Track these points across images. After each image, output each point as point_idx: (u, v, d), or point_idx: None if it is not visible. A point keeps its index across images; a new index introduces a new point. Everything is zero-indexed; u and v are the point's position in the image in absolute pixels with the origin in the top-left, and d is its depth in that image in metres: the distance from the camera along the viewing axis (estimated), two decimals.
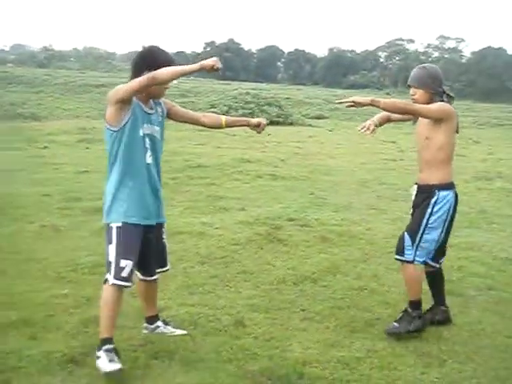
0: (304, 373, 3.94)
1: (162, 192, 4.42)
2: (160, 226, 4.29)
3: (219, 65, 3.71)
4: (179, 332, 4.45)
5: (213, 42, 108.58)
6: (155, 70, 3.79)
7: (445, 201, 4.63)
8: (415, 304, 4.70)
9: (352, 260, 6.48)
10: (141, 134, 3.99)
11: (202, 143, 16.79)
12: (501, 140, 26.36)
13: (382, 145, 19.26)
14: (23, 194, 8.83)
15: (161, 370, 3.92)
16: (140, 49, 4.11)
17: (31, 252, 6.27)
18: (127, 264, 3.92)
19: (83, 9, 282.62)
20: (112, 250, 3.94)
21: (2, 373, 3.76)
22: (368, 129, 4.65)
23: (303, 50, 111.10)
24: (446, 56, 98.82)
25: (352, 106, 4.42)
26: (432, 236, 4.63)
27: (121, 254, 3.91)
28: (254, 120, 4.46)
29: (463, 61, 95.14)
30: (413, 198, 4.81)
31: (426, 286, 4.93)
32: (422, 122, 4.68)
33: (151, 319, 4.49)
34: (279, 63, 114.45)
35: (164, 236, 4.38)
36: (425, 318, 4.74)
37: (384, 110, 4.50)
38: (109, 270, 3.94)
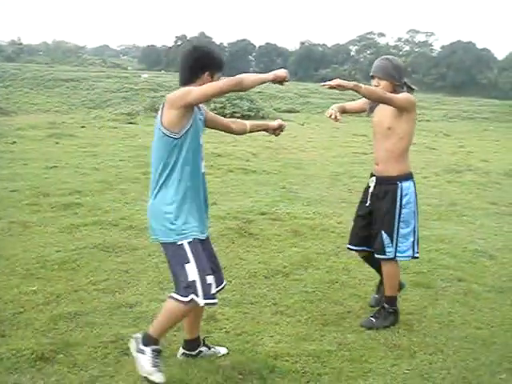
0: (275, 366, 3.95)
1: None
2: (208, 238, 3.91)
3: (289, 77, 3.62)
4: (223, 351, 4.14)
5: (184, 36, 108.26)
6: (213, 71, 3.63)
7: (410, 191, 4.70)
8: (392, 299, 4.73)
9: (324, 253, 6.51)
10: (200, 142, 3.70)
11: None
12: (471, 133, 26.63)
13: (353, 138, 19.34)
14: None
15: (132, 366, 3.88)
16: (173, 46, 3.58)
17: (0, 249, 6.19)
18: (212, 280, 3.59)
19: (52, 2, 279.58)
20: (192, 268, 3.52)
21: None
22: (335, 117, 4.58)
23: (275, 44, 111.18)
24: (416, 50, 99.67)
25: (334, 88, 4.26)
26: (408, 229, 4.66)
27: (204, 271, 3.56)
28: (273, 123, 4.32)
29: (433, 54, 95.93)
30: (371, 189, 4.81)
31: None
32: (383, 112, 4.68)
33: (192, 343, 4.07)
34: (250, 57, 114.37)
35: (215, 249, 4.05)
36: (398, 312, 4.78)
37: (364, 95, 4.42)
38: (194, 292, 3.50)
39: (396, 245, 4.63)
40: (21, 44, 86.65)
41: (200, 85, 3.53)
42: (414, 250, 4.69)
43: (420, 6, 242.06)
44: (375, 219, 4.75)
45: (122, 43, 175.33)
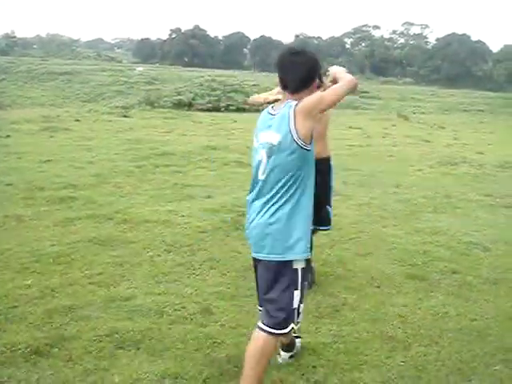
0: (271, 360, 3.95)
1: None
2: None
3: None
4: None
5: (178, 29, 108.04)
6: (316, 79, 3.46)
7: (333, 170, 5.36)
8: None
9: (318, 246, 6.48)
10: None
11: (168, 130, 16.67)
12: (465, 125, 26.66)
13: (347, 131, 19.33)
14: None
15: (127, 359, 3.90)
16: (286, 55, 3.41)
17: None
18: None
19: None
20: (297, 296, 3.30)
21: None
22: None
23: (270, 37, 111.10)
24: (411, 42, 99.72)
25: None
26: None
27: (302, 299, 3.37)
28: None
29: (428, 47, 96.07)
30: None
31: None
32: None
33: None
34: (245, 50, 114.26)
35: None
36: None
37: None
38: (291, 318, 3.31)
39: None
40: (15, 37, 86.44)
41: (310, 91, 3.37)
42: None
43: None
44: (319, 197, 4.39)
45: (117, 36, 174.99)
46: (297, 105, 3.23)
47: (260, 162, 3.34)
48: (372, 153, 14.33)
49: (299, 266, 3.29)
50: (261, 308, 3.53)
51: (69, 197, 8.16)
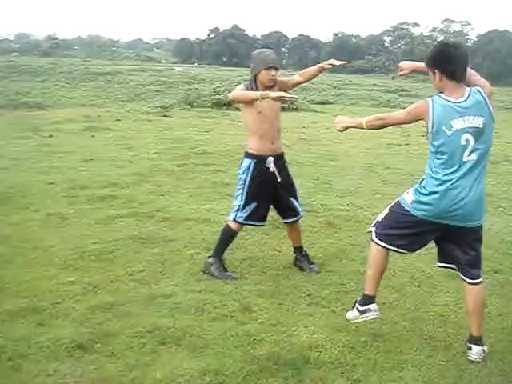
0: (310, 357, 3.97)
1: None
2: None
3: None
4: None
5: (217, 29, 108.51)
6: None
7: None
8: None
9: (358, 245, 6.49)
10: None
11: (207, 130, 16.75)
12: (508, 123, 26.19)
13: (387, 130, 19.14)
14: (29, 182, 8.85)
15: (168, 355, 3.95)
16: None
17: (38, 240, 6.29)
18: None
19: None
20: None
21: (11, 360, 3.79)
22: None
23: (308, 36, 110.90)
24: (451, 40, 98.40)
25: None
26: None
27: None
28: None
29: (469, 44, 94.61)
30: (272, 169, 5.38)
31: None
32: None
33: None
34: (284, 49, 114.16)
35: None
36: None
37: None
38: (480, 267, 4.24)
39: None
40: (56, 39, 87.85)
41: None
42: None
43: None
44: (284, 191, 5.49)
45: (156, 36, 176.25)
46: (482, 90, 3.95)
47: (465, 145, 3.87)
48: (412, 151, 14.21)
49: None
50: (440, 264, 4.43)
51: (110, 195, 8.27)
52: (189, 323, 4.40)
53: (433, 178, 4.00)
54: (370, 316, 4.53)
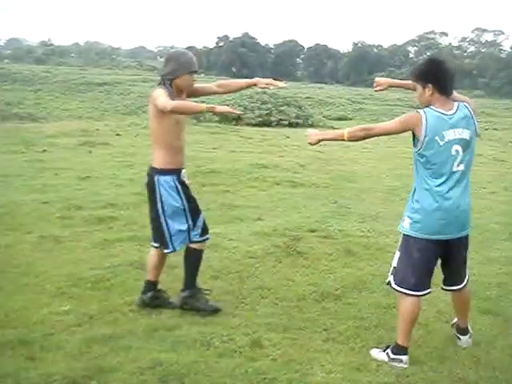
0: None
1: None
2: None
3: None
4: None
5: (226, 37, 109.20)
6: None
7: None
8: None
9: (379, 275, 6.45)
10: None
11: (215, 147, 16.81)
12: None
13: (411, 148, 19.10)
14: (20, 201, 8.89)
15: None
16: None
17: (29, 265, 6.31)
18: None
19: (85, 0, 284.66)
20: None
21: None
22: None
23: (325, 45, 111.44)
24: (482, 50, 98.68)
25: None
26: None
27: None
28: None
29: (502, 55, 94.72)
30: (188, 181, 5.33)
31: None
32: None
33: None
34: (298, 59, 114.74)
35: None
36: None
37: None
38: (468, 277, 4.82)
39: None
40: (51, 45, 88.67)
41: None
42: None
43: (486, 2, 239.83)
44: (196, 205, 5.41)
45: (160, 44, 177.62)
46: (468, 105, 4.51)
47: (455, 156, 4.33)
48: None
49: None
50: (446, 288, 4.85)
51: (108, 217, 8.30)
52: (193, 359, 4.38)
53: (425, 190, 4.40)
54: (398, 366, 4.50)
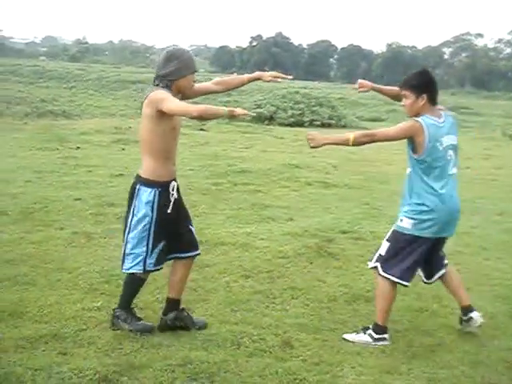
0: None
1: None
2: None
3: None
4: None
5: (259, 36, 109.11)
6: None
7: None
8: None
9: None
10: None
11: (247, 146, 16.83)
12: None
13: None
14: (54, 198, 8.97)
15: None
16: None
17: (62, 261, 6.37)
18: None
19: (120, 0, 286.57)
20: None
21: None
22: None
23: (359, 46, 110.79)
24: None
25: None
26: None
27: None
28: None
29: None
30: (175, 196, 4.75)
31: None
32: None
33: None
34: (332, 60, 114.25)
35: None
36: None
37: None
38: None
39: None
40: (86, 43, 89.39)
41: None
42: None
43: None
44: (181, 220, 4.86)
45: (193, 43, 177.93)
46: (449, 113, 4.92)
47: (450, 160, 4.74)
48: (472, 176, 14.05)
49: None
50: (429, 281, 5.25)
51: None
52: (224, 358, 4.40)
53: (429, 193, 4.72)
54: (383, 344, 4.83)
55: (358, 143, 4.75)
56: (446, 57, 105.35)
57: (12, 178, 10.43)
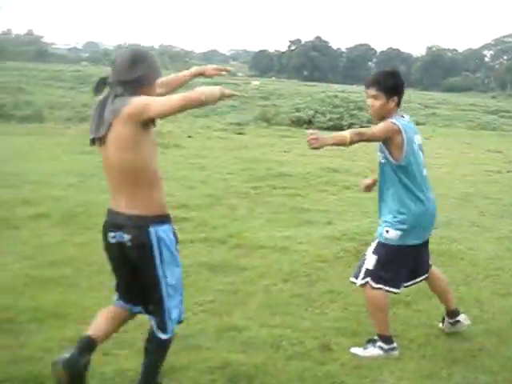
0: None
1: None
2: None
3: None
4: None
5: (298, 40, 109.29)
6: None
7: None
8: None
9: (451, 282, 6.32)
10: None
11: (285, 150, 16.83)
12: None
13: (485, 155, 18.80)
14: (95, 201, 9.06)
15: None
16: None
17: (103, 264, 6.36)
18: None
19: (160, 5, 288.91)
20: None
21: None
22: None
23: (398, 49, 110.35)
24: None
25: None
26: None
27: None
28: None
29: None
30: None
31: None
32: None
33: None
34: (371, 63, 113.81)
35: None
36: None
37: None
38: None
39: None
40: (127, 48, 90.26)
41: None
42: None
43: None
44: None
45: (232, 48, 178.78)
46: None
47: (422, 161, 4.66)
48: None
49: None
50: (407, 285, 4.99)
51: (181, 218, 8.37)
52: (263, 360, 4.41)
53: (413, 200, 4.57)
54: (395, 354, 4.66)
55: (352, 142, 4.41)
56: (486, 59, 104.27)
57: (55, 181, 10.59)
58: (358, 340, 4.88)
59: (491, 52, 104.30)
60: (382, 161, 4.66)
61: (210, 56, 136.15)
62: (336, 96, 30.80)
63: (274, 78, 68.38)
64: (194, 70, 4.42)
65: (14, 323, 4.88)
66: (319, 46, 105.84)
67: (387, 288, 4.66)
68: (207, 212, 8.91)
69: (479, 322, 5.40)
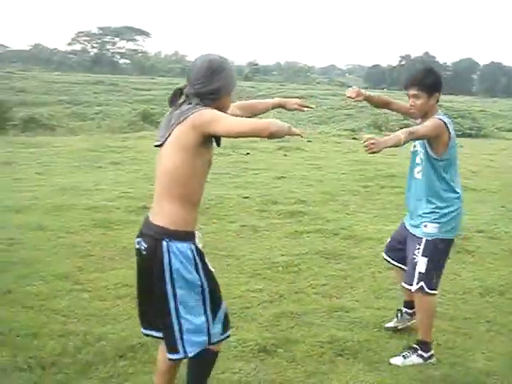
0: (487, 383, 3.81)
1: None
2: None
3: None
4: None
5: (408, 56, 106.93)
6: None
7: None
8: None
9: None
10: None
11: (393, 154, 16.53)
12: None
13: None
14: (226, 195, 9.26)
15: (345, 367, 3.97)
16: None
17: (232, 249, 6.57)
18: None
19: (287, 26, 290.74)
20: None
21: None
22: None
23: (500, 63, 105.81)
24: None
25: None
26: None
27: None
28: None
29: None
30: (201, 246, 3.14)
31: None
32: None
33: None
34: (474, 76, 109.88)
35: None
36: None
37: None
38: None
39: None
40: (257, 65, 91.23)
41: None
42: None
43: None
44: (217, 286, 3.34)
45: (349, 63, 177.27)
46: None
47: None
48: None
49: None
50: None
51: (299, 211, 8.44)
52: (366, 338, 4.40)
53: (450, 193, 4.14)
54: (433, 361, 4.17)
55: (405, 142, 3.81)
56: None
57: None
58: (454, 324, 4.78)
59: None
60: (422, 156, 4.15)
61: (328, 70, 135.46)
62: (441, 106, 29.91)
63: (385, 90, 67.26)
64: (277, 100, 3.83)
65: None
66: (427, 61, 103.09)
67: (436, 292, 4.21)
68: (323, 207, 8.91)
69: None
